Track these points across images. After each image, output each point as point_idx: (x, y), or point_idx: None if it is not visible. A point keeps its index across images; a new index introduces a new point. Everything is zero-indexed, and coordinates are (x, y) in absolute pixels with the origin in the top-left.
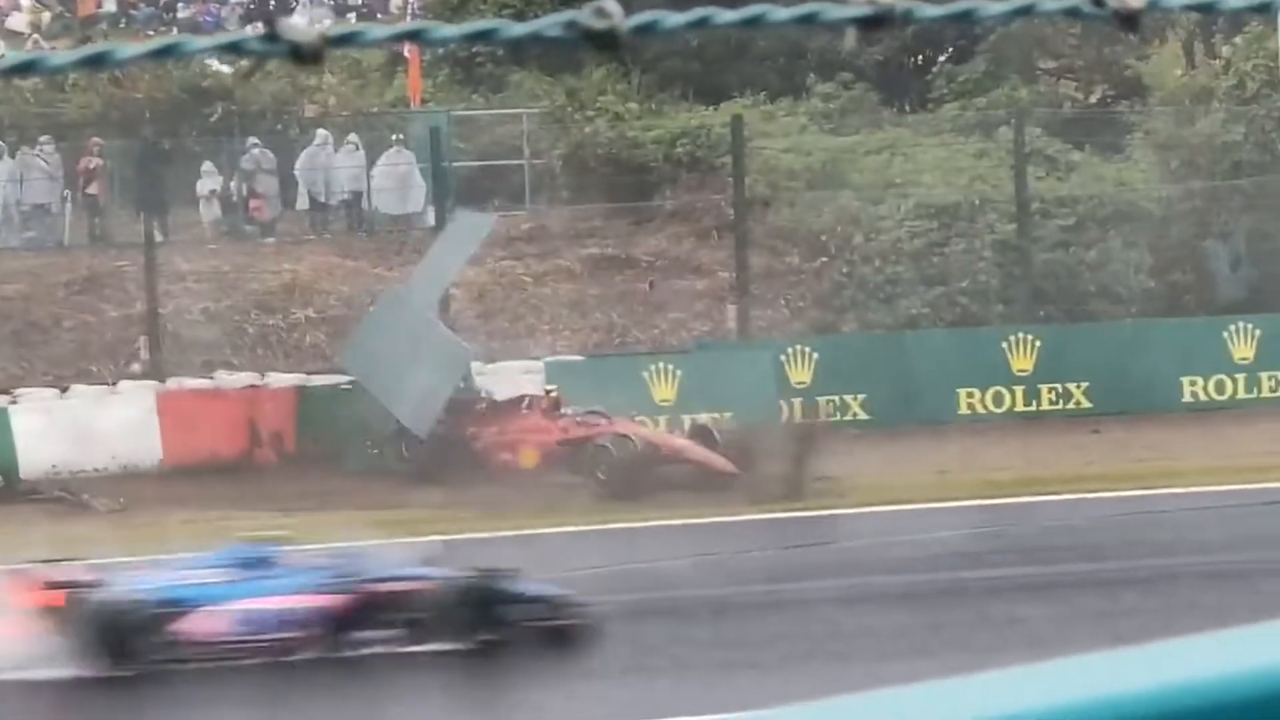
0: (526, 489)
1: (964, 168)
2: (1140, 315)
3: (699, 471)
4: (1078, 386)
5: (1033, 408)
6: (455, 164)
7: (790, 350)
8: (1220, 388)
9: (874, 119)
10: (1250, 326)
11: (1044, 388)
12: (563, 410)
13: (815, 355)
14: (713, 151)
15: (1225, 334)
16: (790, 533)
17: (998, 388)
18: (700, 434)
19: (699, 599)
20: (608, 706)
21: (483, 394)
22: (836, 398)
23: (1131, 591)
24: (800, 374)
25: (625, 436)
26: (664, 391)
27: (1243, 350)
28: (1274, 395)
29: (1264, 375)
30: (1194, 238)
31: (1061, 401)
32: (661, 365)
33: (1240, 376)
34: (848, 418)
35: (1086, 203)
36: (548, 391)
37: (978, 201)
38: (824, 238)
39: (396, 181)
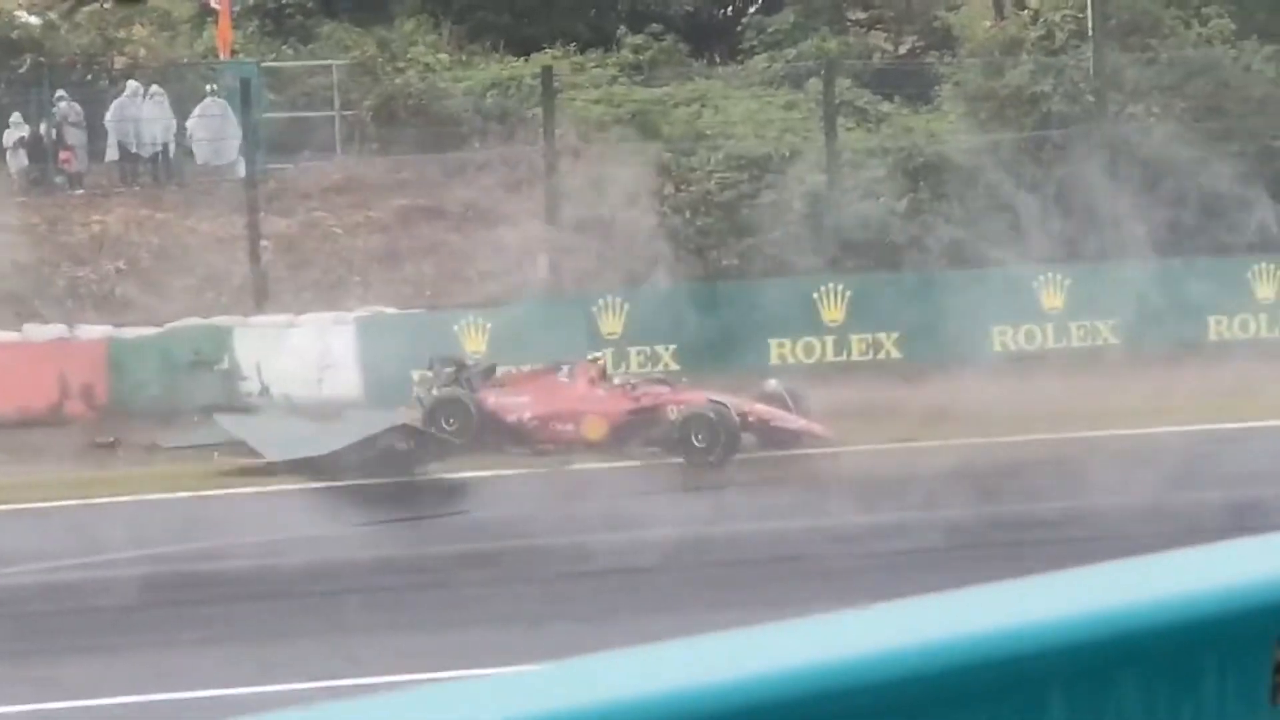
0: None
1: (774, 119)
2: (950, 265)
3: (794, 438)
4: (888, 336)
5: (843, 358)
6: (266, 115)
7: (601, 301)
8: (1030, 337)
9: (684, 71)
10: (1060, 276)
11: (854, 338)
12: (613, 379)
13: (626, 306)
14: (523, 103)
15: (1035, 284)
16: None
17: (809, 338)
18: (773, 399)
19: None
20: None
21: (469, 363)
22: (647, 348)
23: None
24: (611, 325)
25: (718, 402)
26: (474, 343)
27: (1053, 299)
28: (1084, 344)
29: (1073, 325)
30: (1003, 189)
31: (872, 351)
32: (472, 318)
33: (1050, 326)
34: (658, 368)
35: (896, 154)
36: (594, 359)
37: (788, 153)
38: (634, 189)
39: (209, 133)
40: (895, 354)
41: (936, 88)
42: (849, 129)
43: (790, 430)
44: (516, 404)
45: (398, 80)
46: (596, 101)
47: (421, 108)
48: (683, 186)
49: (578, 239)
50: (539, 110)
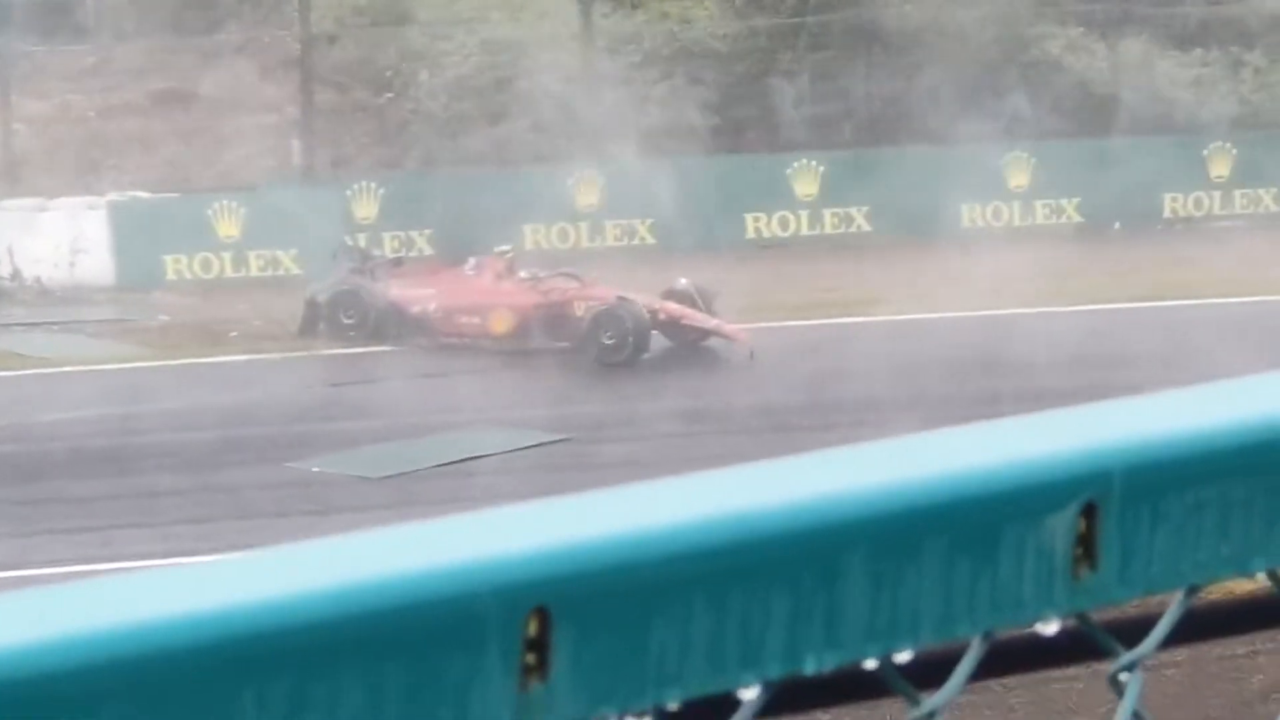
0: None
1: (530, 4)
2: (705, 152)
3: (704, 337)
4: (643, 222)
5: (598, 243)
6: None
7: (355, 187)
8: (784, 224)
9: None
10: (814, 164)
11: (609, 224)
12: (519, 273)
13: (381, 191)
14: None
15: (788, 171)
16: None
17: (563, 224)
18: (682, 298)
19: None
20: None
21: (376, 253)
22: (401, 233)
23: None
24: (366, 210)
25: (627, 299)
26: (228, 228)
27: (806, 187)
28: (836, 231)
29: (826, 212)
30: (758, 75)
31: (627, 238)
32: (225, 202)
33: (804, 213)
34: (413, 253)
35: (652, 39)
36: (501, 252)
37: (544, 38)
38: (389, 74)
39: None
40: (650, 240)
41: None
42: (605, 15)
43: (701, 329)
44: (420, 296)
45: None
46: None
47: None
48: (437, 72)
49: (332, 124)
50: None
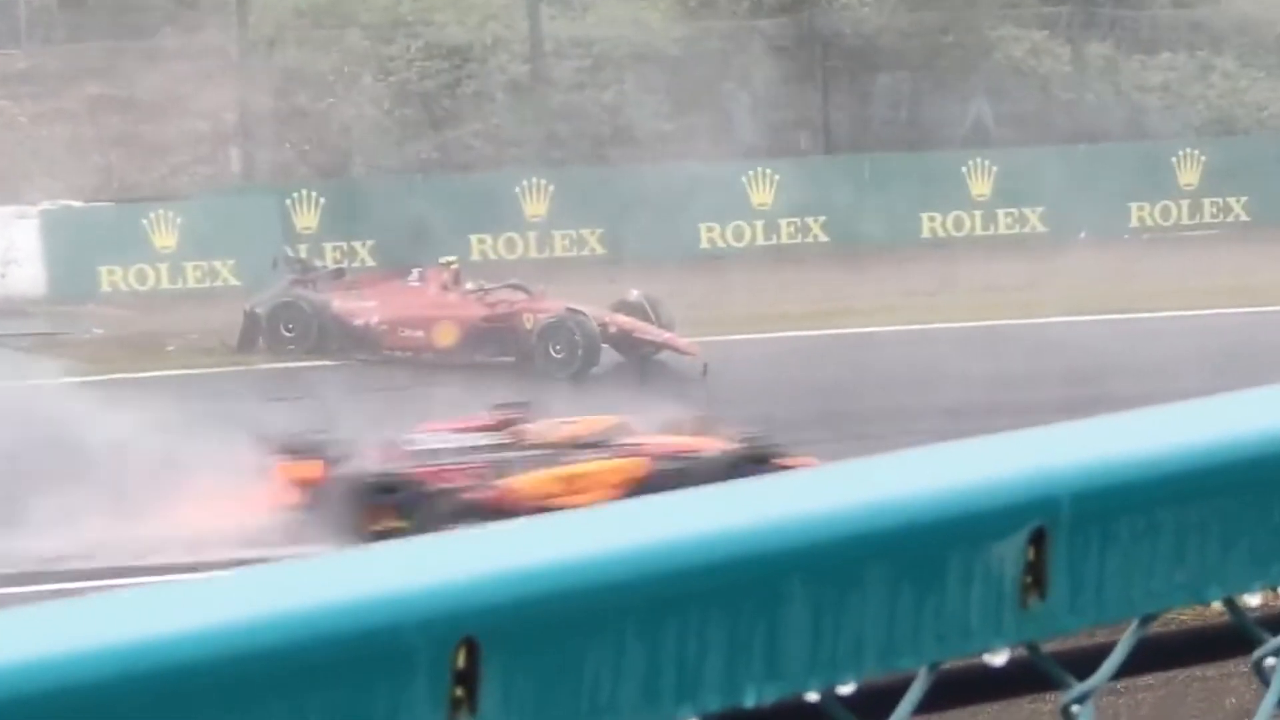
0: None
1: (477, 6)
2: (657, 159)
3: (656, 350)
4: (592, 232)
5: (546, 254)
6: None
7: (296, 195)
8: (739, 234)
9: None
10: (769, 171)
11: (558, 234)
12: (465, 284)
13: (322, 200)
14: None
15: (744, 179)
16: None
17: (510, 234)
18: (634, 310)
19: None
20: None
21: (318, 264)
22: (344, 243)
23: None
24: (306, 219)
25: (577, 311)
26: (164, 239)
27: (761, 196)
28: (792, 241)
29: (783, 221)
30: (713, 80)
31: (576, 248)
32: (162, 211)
33: (759, 223)
34: (355, 264)
35: (603, 43)
36: (447, 263)
37: (490, 41)
38: (330, 78)
39: None
40: (600, 250)
41: None
42: (553, 17)
43: (653, 342)
44: (363, 308)
45: None
46: None
47: None
48: (381, 76)
49: (271, 130)
50: None
